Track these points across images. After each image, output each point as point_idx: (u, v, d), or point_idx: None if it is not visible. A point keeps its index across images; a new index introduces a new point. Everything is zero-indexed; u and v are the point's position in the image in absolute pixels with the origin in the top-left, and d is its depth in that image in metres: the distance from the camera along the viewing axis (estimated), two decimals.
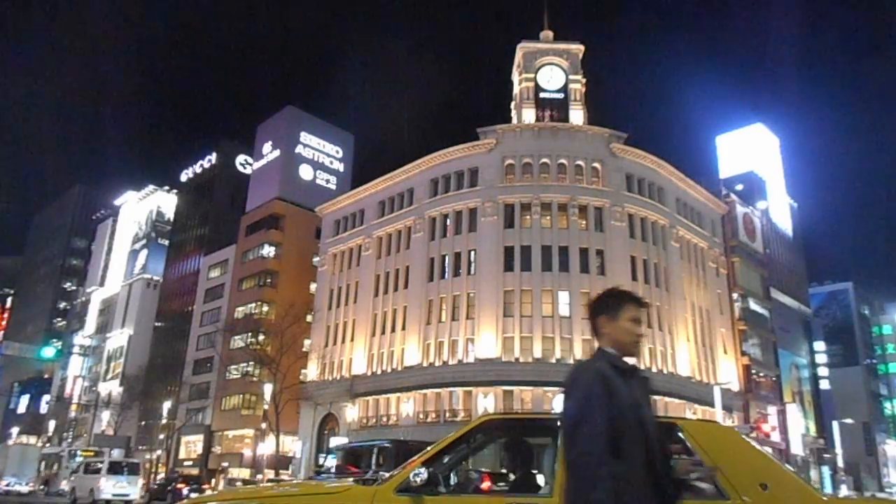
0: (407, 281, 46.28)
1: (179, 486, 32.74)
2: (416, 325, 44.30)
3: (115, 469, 26.06)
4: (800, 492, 3.48)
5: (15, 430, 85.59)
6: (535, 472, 4.13)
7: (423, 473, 3.49)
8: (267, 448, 44.89)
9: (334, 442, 44.30)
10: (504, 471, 4.70)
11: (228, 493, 4.59)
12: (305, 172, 67.14)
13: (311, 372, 50.58)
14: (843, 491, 53.77)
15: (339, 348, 49.71)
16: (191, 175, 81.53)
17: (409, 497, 3.55)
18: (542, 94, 49.79)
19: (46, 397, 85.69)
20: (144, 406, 63.37)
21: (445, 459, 4.02)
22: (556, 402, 39.02)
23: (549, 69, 50.47)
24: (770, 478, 3.46)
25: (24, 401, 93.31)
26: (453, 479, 4.23)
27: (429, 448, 3.92)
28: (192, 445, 62.01)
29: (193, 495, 33.54)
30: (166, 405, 57.16)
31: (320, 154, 69.18)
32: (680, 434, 3.69)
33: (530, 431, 4.44)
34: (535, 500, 3.63)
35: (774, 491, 3.38)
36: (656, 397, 40.60)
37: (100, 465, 26.70)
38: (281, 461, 44.09)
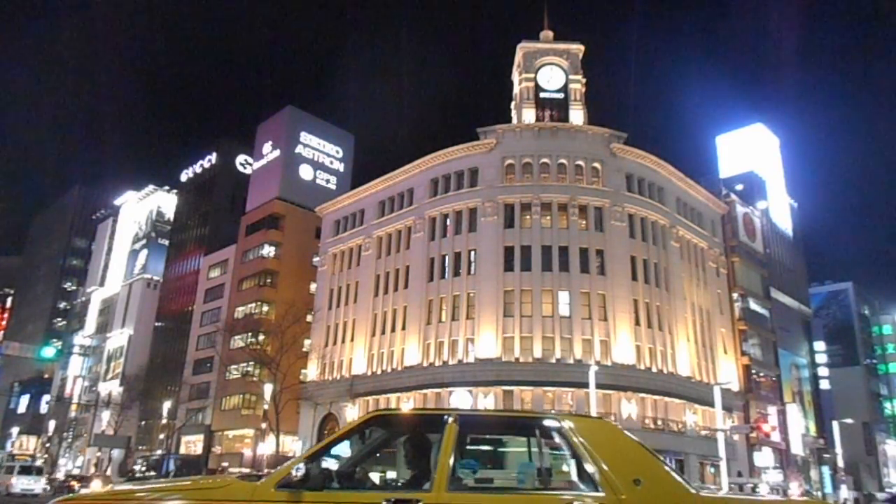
0: (407, 281, 46.28)
1: (72, 483, 38.69)
2: (416, 325, 44.29)
3: (25, 471, 33.03)
4: (671, 487, 3.61)
5: (15, 430, 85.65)
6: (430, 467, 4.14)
7: (302, 469, 3.59)
8: (267, 448, 44.90)
9: None
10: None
11: (106, 492, 4.59)
12: (305, 172, 67.15)
13: (311, 372, 50.58)
14: (843, 492, 53.82)
15: (339, 348, 49.71)
16: (191, 175, 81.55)
17: (287, 492, 3.63)
18: (542, 94, 49.79)
19: (46, 397, 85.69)
20: (144, 406, 63.41)
21: (333, 455, 4.11)
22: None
23: (549, 69, 50.47)
24: (644, 473, 3.61)
25: (24, 401, 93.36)
26: (358, 475, 4.24)
27: (313, 444, 4.02)
28: (192, 445, 62.01)
29: (84, 490, 35.58)
30: (166, 405, 57.16)
31: (320, 154, 69.18)
32: (561, 430, 3.83)
33: (420, 427, 4.45)
34: (415, 496, 3.62)
35: (647, 486, 3.55)
36: (655, 397, 40.74)
37: (13, 467, 33.74)
38: (281, 461, 44.11)
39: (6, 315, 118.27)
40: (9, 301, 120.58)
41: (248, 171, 73.62)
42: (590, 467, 3.63)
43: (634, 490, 3.52)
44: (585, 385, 34.33)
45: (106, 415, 65.78)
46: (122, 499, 4.00)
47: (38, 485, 32.11)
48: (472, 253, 43.74)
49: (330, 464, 4.02)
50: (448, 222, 45.49)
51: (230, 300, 62.22)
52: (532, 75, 50.09)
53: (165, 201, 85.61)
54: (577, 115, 48.51)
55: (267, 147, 68.17)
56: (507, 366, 40.00)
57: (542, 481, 3.82)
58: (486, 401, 39.25)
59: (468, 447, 4.49)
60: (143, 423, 66.56)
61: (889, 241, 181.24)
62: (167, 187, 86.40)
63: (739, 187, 58.74)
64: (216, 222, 73.18)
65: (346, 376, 47.65)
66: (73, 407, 75.67)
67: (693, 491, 3.63)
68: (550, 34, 53.00)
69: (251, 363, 51.23)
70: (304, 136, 67.95)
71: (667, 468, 3.75)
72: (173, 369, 64.77)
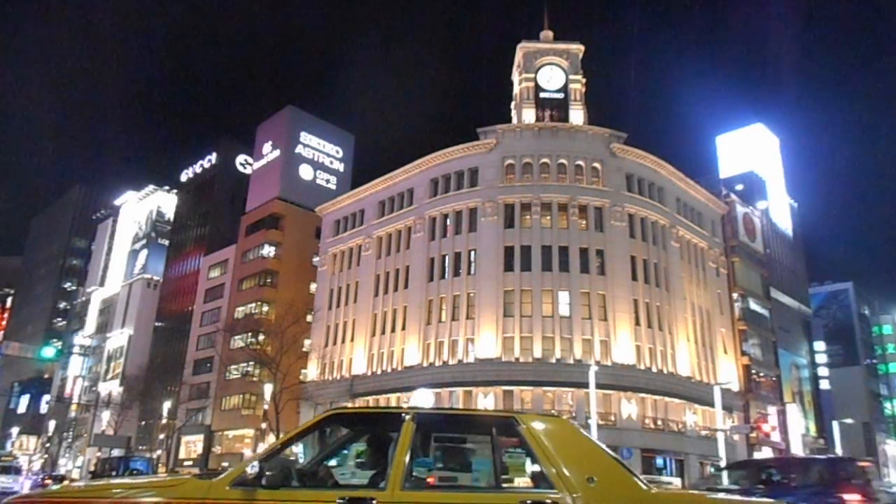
0: (407, 281, 46.28)
1: (46, 481, 40.62)
2: (416, 325, 44.30)
3: (5, 470, 35.19)
4: (625, 485, 3.65)
5: (15, 430, 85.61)
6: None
7: (256, 467, 3.61)
8: None
9: None
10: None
11: (59, 490, 4.60)
12: (305, 172, 67.16)
13: (311, 372, 50.59)
14: None
15: (339, 348, 49.72)
16: (191, 175, 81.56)
17: (241, 490, 3.62)
18: (542, 94, 49.80)
19: (46, 397, 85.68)
20: (144, 406, 63.35)
21: (291, 454, 4.13)
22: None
23: (549, 69, 50.47)
24: (597, 471, 3.66)
25: (25, 401, 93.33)
26: (319, 473, 4.23)
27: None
28: (192, 445, 62.01)
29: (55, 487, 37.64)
30: (166, 405, 57.11)
31: (320, 154, 69.19)
32: (518, 428, 3.85)
33: (377, 425, 4.45)
34: (369, 494, 3.62)
35: (600, 484, 3.60)
36: (655, 397, 40.73)
37: None
38: None
39: (6, 315, 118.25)
40: (9, 301, 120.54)
41: (248, 171, 73.62)
42: (544, 465, 3.67)
43: (588, 488, 3.57)
44: (585, 385, 34.33)
45: (106, 415, 65.73)
46: (75, 497, 4.00)
47: (17, 483, 34.10)
48: (472, 253, 43.74)
49: (289, 462, 4.00)
50: (448, 222, 45.50)
51: (230, 300, 62.21)
52: (532, 75, 50.09)
53: (165, 201, 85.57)
54: (577, 115, 48.51)
55: (267, 147, 68.17)
56: (507, 366, 40.00)
57: (497, 479, 3.83)
58: (486, 401, 39.26)
59: (428, 445, 4.50)
60: (143, 423, 66.50)
61: (889, 241, 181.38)
62: (167, 187, 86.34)
63: (739, 187, 58.74)
64: (216, 222, 73.18)
65: (346, 376, 47.66)
66: (73, 407, 75.64)
67: (646, 488, 3.67)
68: (550, 34, 53.00)
69: (251, 363, 51.21)
70: (304, 136, 67.97)
71: (622, 466, 3.79)
72: (173, 369, 64.71)
